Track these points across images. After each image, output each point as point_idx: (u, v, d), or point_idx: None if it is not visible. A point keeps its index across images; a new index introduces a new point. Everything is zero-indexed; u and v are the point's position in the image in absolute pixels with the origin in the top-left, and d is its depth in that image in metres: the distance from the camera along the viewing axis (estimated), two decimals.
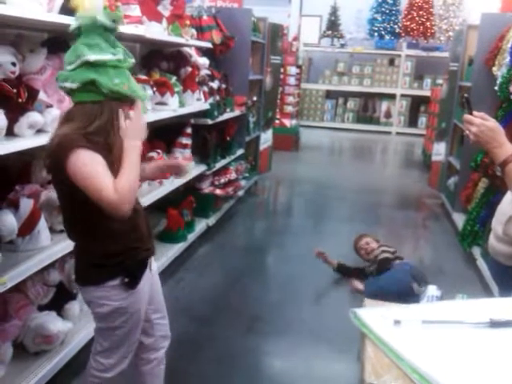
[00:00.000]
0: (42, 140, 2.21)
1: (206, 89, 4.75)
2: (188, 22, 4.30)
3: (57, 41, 2.72)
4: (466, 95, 1.97)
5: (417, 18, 12.51)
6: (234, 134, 5.63)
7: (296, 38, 12.12)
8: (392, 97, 12.92)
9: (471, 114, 1.86)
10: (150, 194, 3.55)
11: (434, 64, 12.26)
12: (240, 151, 5.92)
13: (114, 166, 1.75)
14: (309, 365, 2.93)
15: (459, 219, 5.15)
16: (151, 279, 2.04)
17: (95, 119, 1.75)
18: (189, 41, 4.26)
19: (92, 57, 1.72)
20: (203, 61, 4.76)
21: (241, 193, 5.72)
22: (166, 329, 2.21)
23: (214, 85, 5.00)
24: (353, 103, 13.28)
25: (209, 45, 4.90)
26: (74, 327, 2.72)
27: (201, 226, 4.73)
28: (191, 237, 4.44)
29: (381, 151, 11.35)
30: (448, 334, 1.39)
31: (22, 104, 2.29)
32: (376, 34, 12.88)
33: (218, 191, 5.02)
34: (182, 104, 4.07)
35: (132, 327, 1.95)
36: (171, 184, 3.90)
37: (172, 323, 2.25)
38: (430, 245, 5.18)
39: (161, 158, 3.83)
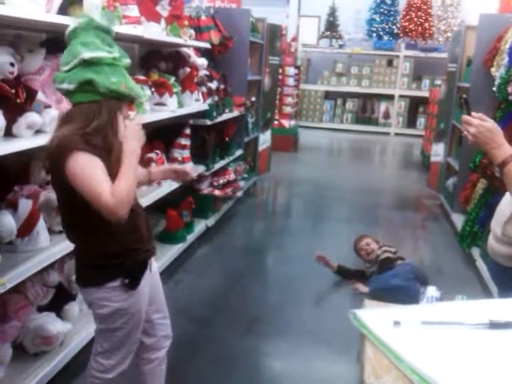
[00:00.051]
0: (41, 140, 2.20)
1: (204, 89, 4.75)
2: (186, 23, 4.30)
3: (55, 41, 2.71)
4: (464, 96, 1.97)
5: (415, 19, 12.53)
6: (233, 134, 5.63)
7: (294, 39, 12.14)
8: (390, 97, 12.94)
9: (470, 114, 1.86)
10: (149, 195, 3.55)
11: (432, 65, 12.28)
12: (239, 152, 5.91)
13: (113, 167, 1.75)
14: (308, 366, 2.93)
15: (458, 220, 5.16)
16: (151, 280, 2.04)
17: (94, 119, 1.75)
18: (187, 41, 4.26)
19: (87, 54, 1.72)
20: (202, 61, 4.76)
21: (240, 194, 5.72)
22: (168, 329, 2.21)
23: (213, 85, 5.00)
24: (351, 104, 13.29)
25: (207, 45, 4.90)
26: (73, 328, 2.72)
27: (200, 226, 4.73)
28: (190, 238, 4.44)
29: (379, 152, 11.36)
30: (447, 335, 1.39)
31: (21, 104, 2.29)
32: (374, 34, 12.89)
33: (217, 192, 5.02)
34: (180, 105, 4.07)
35: (132, 328, 1.95)
36: (170, 185, 3.90)
37: (171, 324, 2.24)
38: (429, 246, 5.18)
39: (160, 159, 3.84)
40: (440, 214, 6.00)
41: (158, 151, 3.88)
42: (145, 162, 3.67)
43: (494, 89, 4.45)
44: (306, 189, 7.05)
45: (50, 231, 2.57)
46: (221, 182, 5.21)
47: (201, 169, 4.71)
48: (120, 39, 3.35)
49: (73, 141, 1.71)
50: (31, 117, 2.31)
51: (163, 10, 4.04)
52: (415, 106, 12.78)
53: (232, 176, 5.39)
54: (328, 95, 13.44)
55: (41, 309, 2.64)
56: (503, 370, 1.26)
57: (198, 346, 3.04)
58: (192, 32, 4.51)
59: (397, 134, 12.77)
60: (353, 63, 13.21)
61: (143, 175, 2.17)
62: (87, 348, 2.59)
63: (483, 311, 1.52)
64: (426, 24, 12.53)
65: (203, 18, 5.05)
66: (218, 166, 5.10)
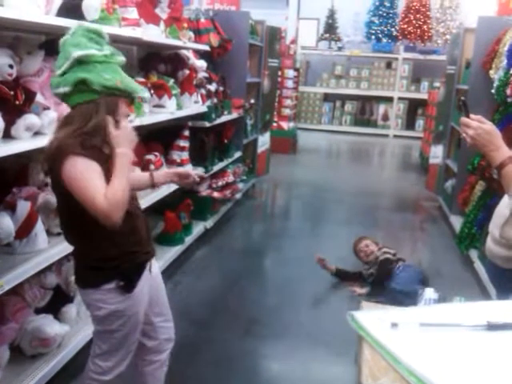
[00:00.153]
0: (40, 142, 2.20)
1: (203, 91, 4.75)
2: (186, 25, 4.30)
3: (54, 43, 2.71)
4: (462, 98, 1.97)
5: (414, 21, 12.55)
6: (232, 136, 5.63)
7: (294, 41, 12.15)
8: (389, 100, 12.95)
9: (468, 116, 1.86)
10: (148, 197, 3.55)
11: (431, 67, 12.29)
12: (238, 154, 5.92)
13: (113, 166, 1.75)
14: (306, 368, 2.93)
15: (456, 222, 5.16)
16: (151, 281, 2.03)
17: (91, 118, 1.75)
18: (186, 43, 4.27)
19: (76, 53, 1.73)
20: (201, 63, 4.76)
21: (238, 195, 5.72)
22: (171, 332, 2.20)
23: (212, 87, 5.01)
24: (350, 106, 13.31)
25: (206, 47, 4.91)
26: (70, 330, 2.71)
27: (198, 228, 4.73)
28: (189, 239, 4.44)
29: (378, 154, 11.37)
30: (445, 336, 1.39)
31: (19, 106, 2.29)
32: (373, 37, 12.91)
33: (216, 194, 5.01)
34: (179, 107, 4.07)
35: (130, 330, 1.95)
36: (168, 187, 3.89)
37: None
38: (427, 247, 5.18)
39: (158, 161, 3.84)
40: (438, 216, 6.01)
41: (156, 153, 3.88)
42: (144, 164, 3.68)
43: (493, 91, 4.46)
44: (305, 191, 7.06)
45: (48, 233, 2.57)
46: (219, 183, 5.21)
47: (199, 171, 4.71)
48: (119, 41, 3.36)
49: (69, 145, 1.71)
50: (30, 119, 2.31)
51: (162, 12, 4.04)
52: (414, 108, 12.79)
53: (231, 178, 5.39)
54: (327, 97, 13.45)
55: (38, 311, 2.64)
56: (501, 371, 1.26)
57: (196, 347, 3.04)
58: (191, 34, 4.52)
59: (396, 136, 12.78)
60: (352, 65, 13.23)
61: (145, 179, 2.17)
62: (85, 350, 2.58)
63: (481, 313, 1.52)
64: (425, 26, 12.55)
65: (202, 20, 5.05)
66: (216, 167, 5.10)
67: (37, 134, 2.39)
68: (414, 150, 10.65)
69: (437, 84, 10.43)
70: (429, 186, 7.09)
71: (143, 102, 3.47)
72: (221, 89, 5.29)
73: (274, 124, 8.99)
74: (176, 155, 4.29)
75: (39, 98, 2.44)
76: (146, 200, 3.50)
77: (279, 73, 8.93)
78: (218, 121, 5.03)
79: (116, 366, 1.97)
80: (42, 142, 1.89)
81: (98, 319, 1.94)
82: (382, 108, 13.09)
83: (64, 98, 1.80)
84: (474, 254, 4.42)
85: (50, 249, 2.50)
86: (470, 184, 5.03)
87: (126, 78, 1.83)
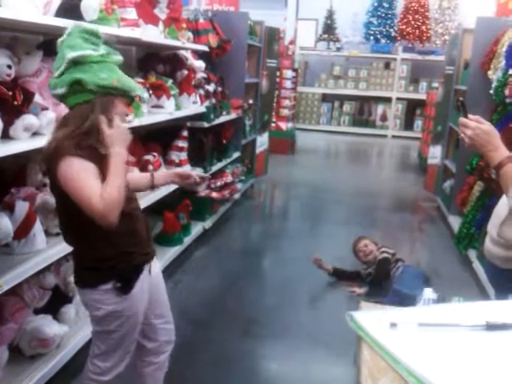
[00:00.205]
0: (38, 143, 2.20)
1: (202, 92, 4.75)
2: (184, 25, 4.30)
3: (52, 43, 2.71)
4: (461, 98, 1.97)
5: (412, 22, 12.56)
6: (230, 137, 5.63)
7: (292, 42, 12.14)
8: (388, 100, 12.96)
9: (466, 117, 1.86)
10: (146, 197, 3.54)
11: (429, 67, 12.30)
12: (236, 154, 5.91)
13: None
14: (306, 368, 2.93)
15: (455, 222, 5.16)
16: (151, 282, 2.02)
17: (87, 118, 1.75)
18: (185, 44, 4.26)
19: (72, 54, 1.73)
20: (199, 64, 4.77)
21: (237, 196, 5.72)
22: (171, 334, 2.19)
23: (210, 88, 5.01)
24: (349, 106, 13.31)
25: (205, 48, 4.91)
26: (69, 330, 2.71)
27: (197, 229, 4.72)
28: (187, 240, 4.44)
29: (377, 154, 11.38)
30: (444, 336, 1.39)
31: (18, 107, 2.28)
32: (372, 37, 12.92)
33: (214, 194, 5.01)
34: (178, 107, 4.07)
35: (128, 330, 1.94)
36: (167, 187, 3.89)
37: None
38: (426, 248, 5.18)
39: (157, 161, 3.83)
40: (437, 217, 6.01)
41: (155, 153, 3.87)
42: (142, 165, 3.67)
43: (491, 91, 4.47)
44: (304, 191, 7.06)
45: (47, 233, 2.56)
46: (218, 184, 5.20)
47: (198, 171, 4.71)
48: (118, 42, 3.35)
49: (64, 146, 1.71)
50: (28, 119, 2.31)
51: (161, 12, 4.04)
52: (412, 108, 12.80)
53: (229, 178, 5.39)
54: (325, 98, 13.46)
55: (37, 311, 2.63)
56: (500, 371, 1.26)
57: (194, 347, 3.04)
58: (190, 35, 4.51)
59: (394, 137, 12.79)
60: (350, 66, 13.24)
61: (146, 180, 2.16)
62: (84, 350, 2.58)
63: (480, 313, 1.52)
64: (424, 27, 12.56)
65: (201, 20, 5.05)
66: (215, 168, 5.10)
67: (35, 134, 2.39)
68: (413, 151, 10.66)
69: (435, 84, 10.43)
70: (427, 186, 7.09)
71: (142, 103, 3.46)
72: (219, 89, 5.29)
73: (273, 124, 9.00)
74: (174, 155, 4.29)
75: (37, 98, 2.44)
76: (144, 200, 3.50)
77: (278, 73, 8.93)
78: (217, 121, 5.03)
79: (114, 367, 1.97)
80: (41, 142, 1.89)
81: (96, 319, 1.94)
82: (380, 108, 13.10)
83: (61, 99, 1.81)
84: (472, 254, 4.42)
85: (49, 249, 2.49)
86: (468, 184, 5.04)
87: (124, 76, 1.83)
